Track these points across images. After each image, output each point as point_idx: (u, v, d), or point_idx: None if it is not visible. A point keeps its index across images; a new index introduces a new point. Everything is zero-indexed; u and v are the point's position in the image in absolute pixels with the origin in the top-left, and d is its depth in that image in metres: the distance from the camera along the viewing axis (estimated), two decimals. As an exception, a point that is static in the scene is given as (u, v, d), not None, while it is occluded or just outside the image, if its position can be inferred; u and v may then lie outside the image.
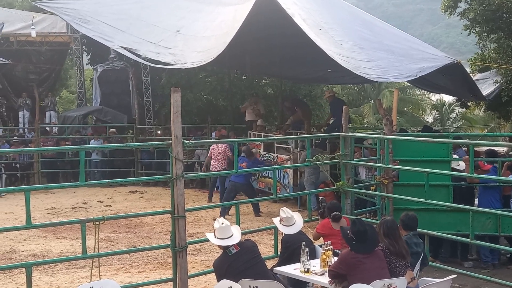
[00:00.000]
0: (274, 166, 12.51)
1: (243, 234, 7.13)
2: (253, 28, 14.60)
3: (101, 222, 6.81)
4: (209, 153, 16.25)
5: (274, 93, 26.33)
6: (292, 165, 14.73)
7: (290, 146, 15.77)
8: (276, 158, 15.99)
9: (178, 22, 16.30)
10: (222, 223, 6.65)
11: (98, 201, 16.82)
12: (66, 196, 17.65)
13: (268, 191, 15.95)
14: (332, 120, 16.33)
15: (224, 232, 6.60)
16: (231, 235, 6.61)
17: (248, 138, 17.17)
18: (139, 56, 15.50)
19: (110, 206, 16.10)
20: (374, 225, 6.72)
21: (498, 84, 16.17)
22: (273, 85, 26.54)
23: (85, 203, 16.58)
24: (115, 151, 20.47)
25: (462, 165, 10.31)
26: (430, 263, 8.42)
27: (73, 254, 10.30)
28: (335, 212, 8.23)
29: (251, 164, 14.17)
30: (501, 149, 12.40)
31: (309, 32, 12.88)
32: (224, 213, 13.71)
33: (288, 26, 13.81)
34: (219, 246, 6.72)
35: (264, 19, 14.83)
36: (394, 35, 15.86)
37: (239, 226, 7.35)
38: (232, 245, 6.56)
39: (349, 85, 36.02)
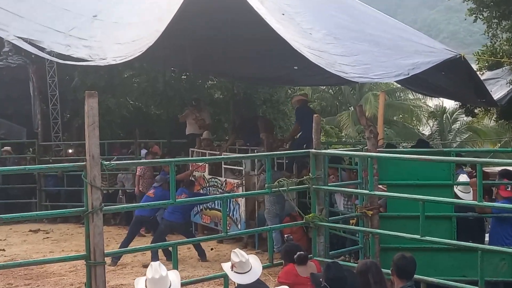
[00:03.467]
0: (224, 195, 12.48)
1: (183, 284, 7.08)
2: (196, 13, 14.57)
3: (-10, 272, 6.70)
4: (142, 170, 17.71)
5: (223, 98, 26.33)
6: (248, 192, 14.71)
7: (242, 168, 15.78)
8: (224, 184, 15.98)
9: (96, 4, 16.25)
10: (157, 273, 6.52)
11: (-13, 244, 16.54)
12: None
13: (215, 228, 15.92)
14: (300, 134, 16.42)
15: (160, 284, 6.49)
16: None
17: (188, 158, 17.12)
18: (42, 49, 15.32)
19: (4, 250, 15.82)
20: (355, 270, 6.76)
21: (513, 85, 16.54)
22: (222, 87, 26.53)
23: (-30, 246, 16.28)
24: (10, 176, 20.17)
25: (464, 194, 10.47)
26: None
27: (-48, 317, 10.08)
28: (299, 252, 8.25)
29: (192, 197, 14.13)
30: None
31: (268, 19, 12.93)
32: (156, 256, 13.67)
33: (242, 11, 13.83)
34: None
35: (210, 2, 14.85)
36: (379, 21, 16.06)
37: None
38: (170, 301, 6.50)
39: (322, 87, 36.35)
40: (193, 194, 14.60)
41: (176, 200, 9.26)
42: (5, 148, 21.00)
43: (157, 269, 6.55)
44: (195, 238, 13.71)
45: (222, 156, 15.84)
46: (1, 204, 20.13)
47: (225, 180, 16.04)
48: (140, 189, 17.73)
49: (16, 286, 12.41)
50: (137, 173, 18.02)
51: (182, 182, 15.21)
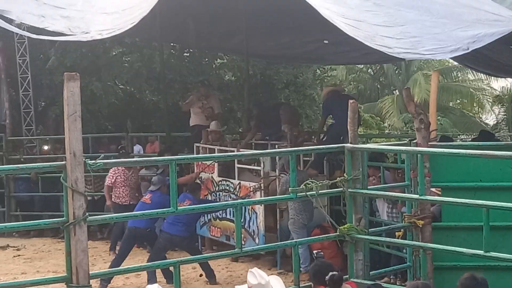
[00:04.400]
0: (238, 201, 12.48)
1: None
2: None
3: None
4: (110, 178, 17.25)
5: (236, 81, 26.36)
6: (267, 198, 14.72)
7: (260, 168, 15.76)
8: (238, 188, 15.98)
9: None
10: None
11: None
12: None
13: (227, 242, 15.92)
14: (332, 124, 16.42)
15: None
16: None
17: (193, 155, 17.13)
18: (10, 21, 15.38)
19: (-35, 271, 15.96)
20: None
21: None
22: (234, 67, 26.57)
23: None
24: (-29, 180, 20.30)
25: None
26: None
27: None
28: (331, 273, 8.21)
29: (197, 204, 14.10)
30: None
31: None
32: (154, 278, 13.69)
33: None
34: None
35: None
36: (431, -17, 16.07)
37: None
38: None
39: (359, 66, 36.32)
40: (199, 200, 14.57)
41: (178, 208, 9.28)
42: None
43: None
44: (202, 255, 13.74)
45: (235, 153, 15.79)
46: (-39, 214, 20.36)
47: (239, 183, 16.03)
48: (116, 200, 17.45)
49: (-20, 316, 12.48)
50: (106, 182, 17.62)
51: (185, 186, 15.21)
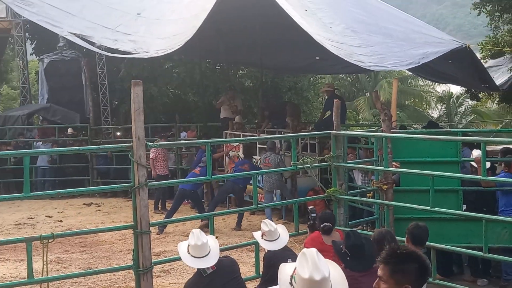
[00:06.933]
0: (253, 172, 12.48)
1: (220, 251, 7.03)
2: (228, 10, 14.59)
3: (50, 241, 6.75)
4: (153, 153, 17.24)
5: (253, 86, 26.33)
6: (274, 169, 14.70)
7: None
8: (260, 162, 15.99)
9: (140, 3, 16.29)
10: (199, 240, 6.40)
11: (46, 216, 16.69)
12: (8, 211, 17.46)
13: (249, 200, 15.94)
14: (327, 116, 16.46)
15: (201, 250, 6.41)
16: (208, 253, 6.43)
17: (222, 139, 17.13)
18: (93, 44, 15.41)
19: (61, 221, 16.00)
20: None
21: (514, 72, 16.34)
22: (251, 76, 26.56)
23: (31, 218, 16.44)
24: (66, 156, 20.35)
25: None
26: (439, 281, 8.49)
27: (17, 279, 10.18)
28: (325, 223, 8.19)
29: (252, 167, 14.65)
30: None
31: (293, 14, 12.92)
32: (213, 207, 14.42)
33: (268, 7, 13.83)
34: (193, 265, 6.61)
35: (241, 0, 14.85)
36: (392, 16, 15.96)
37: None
38: (208, 263, 6.46)
39: (341, 75, 36.18)
40: (252, 164, 15.30)
41: (213, 176, 9.30)
42: (70, 131, 21.40)
43: (198, 236, 6.41)
44: (232, 210, 13.83)
45: (254, 137, 15.92)
46: (59, 181, 20.48)
47: (260, 158, 16.09)
48: (158, 172, 17.28)
49: (72, 253, 12.54)
50: (150, 157, 17.05)
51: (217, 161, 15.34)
